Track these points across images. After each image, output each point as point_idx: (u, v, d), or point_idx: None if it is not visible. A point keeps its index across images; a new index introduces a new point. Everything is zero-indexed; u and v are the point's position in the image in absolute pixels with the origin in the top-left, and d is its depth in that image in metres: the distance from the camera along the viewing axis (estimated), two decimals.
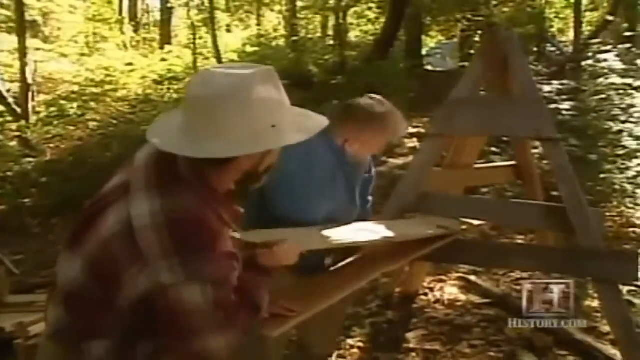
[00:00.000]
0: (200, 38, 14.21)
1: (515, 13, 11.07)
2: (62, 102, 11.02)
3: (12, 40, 11.16)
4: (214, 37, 13.03)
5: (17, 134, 9.34)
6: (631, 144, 5.19)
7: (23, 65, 10.04)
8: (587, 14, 12.91)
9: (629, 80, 5.86)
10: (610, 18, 10.55)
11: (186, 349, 1.18)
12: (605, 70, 6.12)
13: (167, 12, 17.72)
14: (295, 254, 1.50)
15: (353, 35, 14.33)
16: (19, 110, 9.97)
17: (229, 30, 18.08)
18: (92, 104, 10.69)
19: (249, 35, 15.99)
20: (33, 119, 10.10)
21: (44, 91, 12.32)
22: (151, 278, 1.13)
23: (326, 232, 1.83)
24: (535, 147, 3.50)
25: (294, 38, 12.95)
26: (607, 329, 2.70)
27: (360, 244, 1.99)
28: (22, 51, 10.09)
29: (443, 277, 3.73)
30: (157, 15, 20.38)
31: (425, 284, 3.61)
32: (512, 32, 2.80)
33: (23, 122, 9.58)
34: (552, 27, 12.76)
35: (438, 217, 2.49)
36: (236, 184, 1.30)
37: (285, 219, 1.76)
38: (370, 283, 2.92)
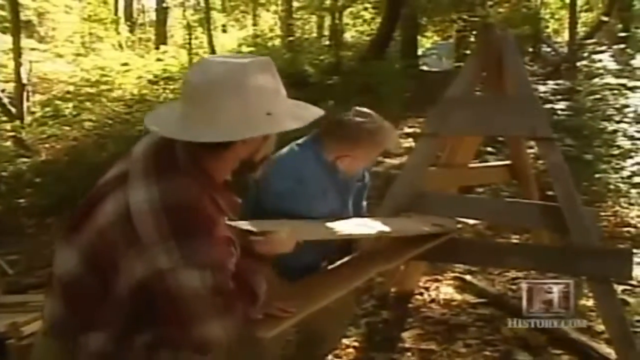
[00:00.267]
0: (196, 38, 14.22)
1: (510, 13, 11.12)
2: (58, 102, 10.98)
3: (7, 40, 11.12)
4: (210, 37, 13.04)
5: (12, 134, 9.32)
6: (626, 143, 5.22)
7: (18, 66, 10.01)
8: (582, 14, 12.97)
9: (623, 81, 5.89)
10: (605, 19, 10.60)
11: (185, 337, 1.18)
12: (600, 71, 6.15)
13: (162, 12, 17.71)
14: (291, 242, 1.49)
15: (349, 36, 14.35)
16: (13, 110, 9.94)
17: (224, 31, 18.10)
18: (88, 104, 10.66)
19: (245, 36, 16.00)
20: (28, 119, 10.08)
21: (39, 91, 12.30)
22: (149, 263, 1.13)
23: (323, 224, 1.84)
24: (531, 147, 3.51)
25: (290, 38, 12.97)
26: (601, 327, 2.70)
27: (356, 236, 2.00)
28: (17, 51, 10.07)
29: (439, 277, 3.73)
30: (153, 15, 20.35)
31: (420, 284, 3.61)
32: (507, 31, 2.80)
33: (18, 123, 9.56)
34: (547, 27, 12.81)
35: (433, 216, 2.49)
36: (233, 174, 1.31)
37: None
38: (365, 283, 2.93)
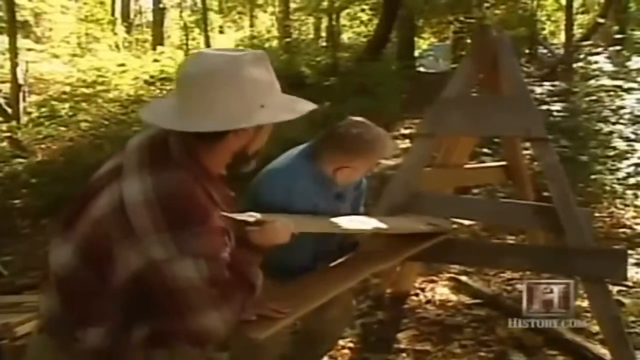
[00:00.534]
0: (193, 39, 14.22)
1: (507, 15, 11.14)
2: (54, 102, 10.95)
3: (3, 41, 11.09)
4: (207, 38, 13.05)
5: (8, 134, 9.27)
6: (621, 145, 5.24)
7: (14, 66, 9.97)
8: (579, 16, 13.02)
9: (619, 82, 5.92)
10: (601, 20, 10.65)
11: (183, 328, 1.17)
12: (596, 72, 6.18)
13: (159, 13, 17.69)
14: (286, 232, 1.49)
15: (346, 37, 14.37)
16: (9, 110, 9.90)
17: (221, 32, 18.10)
18: (84, 105, 10.62)
19: (242, 37, 16.00)
20: (24, 119, 10.03)
21: (35, 92, 12.25)
22: (143, 255, 1.13)
23: (319, 219, 1.84)
24: (527, 148, 3.52)
25: (287, 39, 12.97)
26: (597, 328, 2.70)
27: (351, 231, 2.00)
28: (13, 51, 10.03)
29: (434, 278, 3.73)
30: (150, 16, 20.33)
31: (416, 285, 3.61)
32: (503, 32, 2.81)
33: (14, 123, 9.51)
34: (543, 29, 12.86)
35: (429, 216, 2.49)
36: (227, 168, 1.32)
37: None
38: (361, 283, 2.92)
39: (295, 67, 10.80)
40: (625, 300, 3.24)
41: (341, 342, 2.97)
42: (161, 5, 17.42)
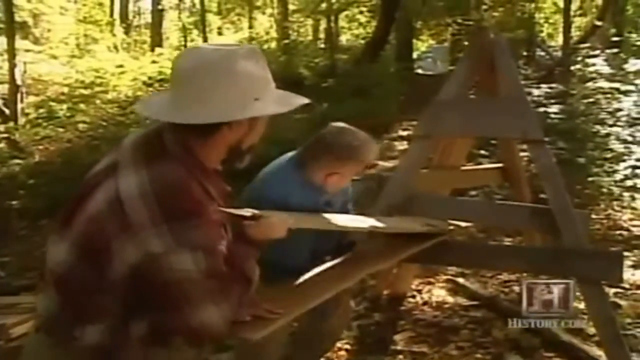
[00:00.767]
0: (192, 40, 14.23)
1: (505, 17, 11.17)
2: (52, 103, 10.93)
3: (2, 42, 11.09)
4: (205, 40, 13.04)
5: (6, 135, 9.25)
6: (618, 147, 5.25)
7: (12, 67, 9.96)
8: (576, 19, 13.05)
9: (616, 85, 5.93)
10: (598, 23, 10.67)
11: (181, 323, 1.17)
12: (593, 75, 6.20)
13: (158, 14, 17.69)
14: (283, 227, 1.49)
15: (344, 39, 14.39)
16: (7, 111, 9.89)
17: (220, 33, 18.10)
18: (82, 106, 10.61)
19: (241, 38, 15.99)
20: (22, 120, 10.01)
21: (33, 93, 12.22)
22: (140, 248, 1.13)
23: (315, 215, 1.85)
24: (524, 150, 3.52)
25: (286, 41, 12.99)
26: (593, 330, 2.70)
27: (348, 229, 2.01)
28: (12, 52, 10.03)
29: (431, 280, 3.72)
30: (149, 18, 20.33)
31: (413, 286, 3.61)
32: (500, 34, 2.82)
33: (12, 124, 9.50)
34: (541, 31, 12.89)
35: (425, 218, 2.49)
36: (222, 163, 1.32)
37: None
38: (358, 285, 2.92)
39: (293, 69, 10.83)
40: (622, 302, 3.24)
41: (338, 344, 2.96)
42: (160, 7, 17.41)
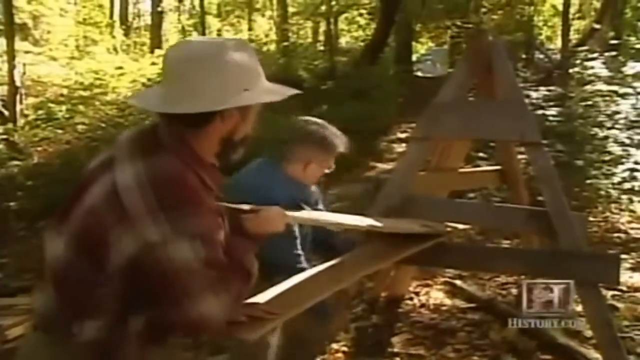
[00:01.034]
0: None
1: (504, 20, 11.19)
2: (51, 105, 10.93)
3: (1, 43, 11.10)
4: None
5: (4, 136, 9.25)
6: (616, 150, 5.25)
7: (11, 68, 9.97)
8: (575, 22, 13.08)
9: (614, 87, 5.93)
10: (597, 26, 10.70)
11: (179, 316, 1.16)
12: (592, 77, 6.19)
13: (157, 16, 17.65)
14: (281, 221, 1.49)
15: (344, 41, 14.40)
16: (6, 113, 9.89)
17: (219, 35, 18.06)
18: (81, 108, 10.60)
19: None
20: (21, 121, 10.01)
21: (32, 94, 12.22)
22: (138, 238, 1.13)
23: (314, 213, 1.88)
24: (522, 152, 3.52)
25: (285, 43, 13.00)
26: (590, 333, 2.70)
27: (346, 226, 2.03)
28: (11, 54, 10.03)
29: (429, 282, 3.73)
30: (148, 20, 20.32)
31: (410, 289, 3.61)
32: (498, 37, 2.82)
33: (10, 125, 9.49)
34: (540, 34, 12.90)
35: (423, 220, 2.49)
36: (217, 157, 1.33)
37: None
38: (355, 287, 2.92)
39: (292, 71, 10.84)
40: (619, 305, 3.25)
41: (335, 346, 2.97)
42: (159, 9, 17.40)
